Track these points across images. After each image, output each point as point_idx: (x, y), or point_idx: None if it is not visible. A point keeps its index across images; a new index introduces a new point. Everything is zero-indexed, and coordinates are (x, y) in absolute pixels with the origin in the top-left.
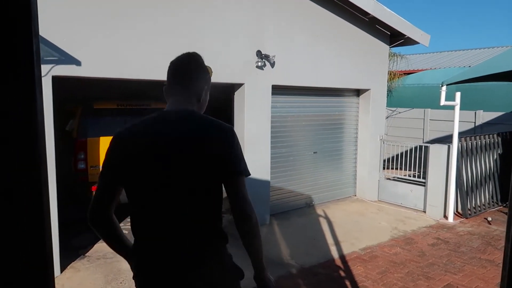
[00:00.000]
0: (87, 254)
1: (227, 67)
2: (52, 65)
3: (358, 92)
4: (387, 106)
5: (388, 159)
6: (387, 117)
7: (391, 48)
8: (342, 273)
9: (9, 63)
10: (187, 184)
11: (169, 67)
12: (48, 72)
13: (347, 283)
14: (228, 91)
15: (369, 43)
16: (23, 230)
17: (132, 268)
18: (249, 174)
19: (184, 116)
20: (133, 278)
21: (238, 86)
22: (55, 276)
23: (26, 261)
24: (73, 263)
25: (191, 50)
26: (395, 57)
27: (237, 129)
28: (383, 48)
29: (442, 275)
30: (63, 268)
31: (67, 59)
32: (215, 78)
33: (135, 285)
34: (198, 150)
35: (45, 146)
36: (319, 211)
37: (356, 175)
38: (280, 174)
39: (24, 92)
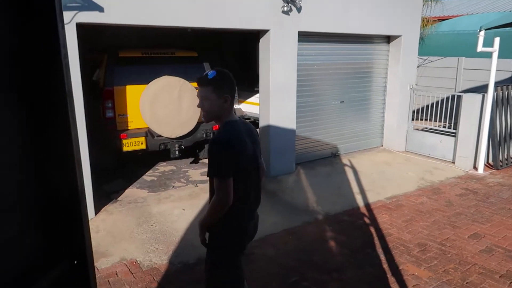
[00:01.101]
0: (119, 199)
1: (252, 13)
2: (76, 11)
3: (388, 39)
4: (418, 55)
5: (418, 110)
6: (418, 66)
7: None
8: (367, 220)
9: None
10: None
11: (233, 82)
12: (71, 19)
13: (372, 230)
14: (252, 38)
15: None
16: (55, 166)
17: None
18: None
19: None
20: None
21: (263, 33)
22: (90, 218)
23: (60, 196)
24: (106, 206)
25: None
26: (429, 1)
27: (262, 77)
28: None
29: (469, 224)
30: (97, 211)
31: (90, 5)
32: (239, 25)
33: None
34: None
35: (70, 81)
36: (345, 160)
37: (383, 126)
38: (306, 124)
39: (46, 28)
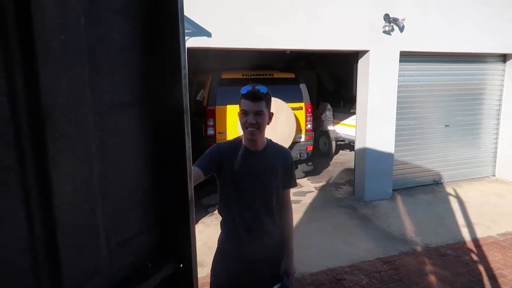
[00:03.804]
0: (215, 213)
1: (351, 33)
2: (187, 37)
3: (504, 58)
4: None
5: None
6: None
7: None
8: (475, 257)
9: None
10: None
11: None
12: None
13: (480, 268)
14: (349, 59)
15: None
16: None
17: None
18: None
19: None
20: None
21: (362, 53)
22: None
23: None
24: (203, 218)
25: (312, 17)
26: None
27: (359, 99)
28: None
29: None
30: (195, 222)
31: (199, 31)
32: (339, 46)
33: None
34: None
35: (188, 99)
36: (449, 189)
37: (496, 153)
38: (406, 148)
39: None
